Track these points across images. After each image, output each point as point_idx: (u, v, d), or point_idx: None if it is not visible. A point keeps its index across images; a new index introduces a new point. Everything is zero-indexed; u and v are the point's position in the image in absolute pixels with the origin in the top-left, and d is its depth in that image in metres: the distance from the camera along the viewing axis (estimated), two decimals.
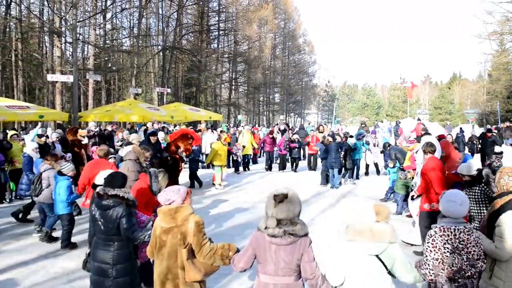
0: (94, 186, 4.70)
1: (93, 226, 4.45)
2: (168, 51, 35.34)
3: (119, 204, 4.19)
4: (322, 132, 17.86)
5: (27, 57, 32.12)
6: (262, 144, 17.70)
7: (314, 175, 16.01)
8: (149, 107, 22.30)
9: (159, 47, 36.62)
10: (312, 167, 17.14)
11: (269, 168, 17.00)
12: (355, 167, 14.70)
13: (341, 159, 13.33)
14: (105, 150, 7.99)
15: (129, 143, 10.12)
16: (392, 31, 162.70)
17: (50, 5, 27.38)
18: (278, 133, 20.34)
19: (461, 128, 27.43)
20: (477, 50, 63.13)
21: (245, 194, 11.98)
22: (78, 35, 26.06)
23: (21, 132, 15.85)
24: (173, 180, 11.63)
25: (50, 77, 22.48)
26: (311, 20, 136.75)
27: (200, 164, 14.35)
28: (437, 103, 74.22)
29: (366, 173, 15.82)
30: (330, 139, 13.27)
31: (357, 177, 14.95)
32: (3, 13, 29.99)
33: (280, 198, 3.15)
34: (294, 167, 16.94)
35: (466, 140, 20.54)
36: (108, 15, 34.19)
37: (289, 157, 17.09)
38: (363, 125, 23.77)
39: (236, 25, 41.61)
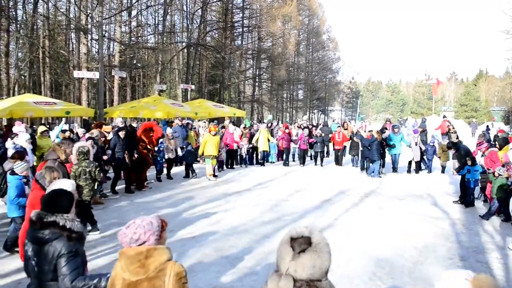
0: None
1: (25, 266, 3.14)
2: (192, 48, 35.42)
3: (58, 237, 2.93)
4: (346, 129, 17.93)
5: (54, 54, 32.67)
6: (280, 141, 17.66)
7: (339, 171, 16.03)
8: (174, 104, 22.33)
9: (184, 44, 36.75)
10: (338, 162, 17.38)
11: (286, 163, 17.18)
12: (393, 161, 15.34)
13: (380, 151, 14.41)
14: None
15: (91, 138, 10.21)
16: (417, 27, 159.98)
17: (76, 3, 27.74)
18: (299, 128, 20.32)
19: (487, 126, 26.82)
20: (505, 46, 61.05)
21: (269, 191, 11.86)
22: (103, 32, 26.34)
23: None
24: (141, 175, 12.03)
25: (76, 74, 22.72)
26: (335, 17, 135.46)
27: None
28: (462, 100, 72.80)
29: (417, 171, 15.59)
30: (378, 133, 14.63)
31: (395, 171, 15.31)
32: (31, 11, 30.56)
33: (301, 245, 1.92)
34: (320, 161, 17.25)
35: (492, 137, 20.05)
36: (133, 12, 34.45)
37: (312, 152, 17.68)
38: (387, 122, 23.42)
39: (260, 22, 41.37)
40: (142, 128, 12.69)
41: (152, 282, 2.45)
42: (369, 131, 15.59)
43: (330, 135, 17.76)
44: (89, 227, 7.55)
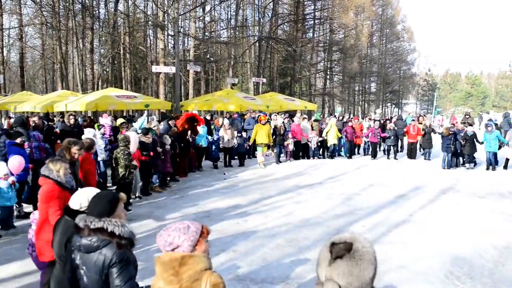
0: (67, 211, 3.38)
1: (70, 276, 2.87)
2: (263, 41, 35.71)
3: (108, 244, 2.69)
4: (421, 123, 17.45)
5: (133, 50, 34.39)
6: (344, 134, 17.46)
7: (413, 165, 15.67)
8: (246, 97, 22.73)
9: (255, 37, 37.14)
10: (411, 156, 17.17)
11: (350, 156, 17.23)
12: (487, 159, 14.79)
13: (451, 146, 14.73)
14: (87, 142, 7.27)
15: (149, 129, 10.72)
16: (500, 13, 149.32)
17: (154, 0, 28.95)
18: (371, 120, 19.98)
19: None
20: None
21: (340, 185, 11.77)
22: (179, 28, 27.26)
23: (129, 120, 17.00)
24: (183, 163, 12.75)
25: (154, 68, 23.82)
26: (411, 5, 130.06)
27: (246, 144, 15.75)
28: None
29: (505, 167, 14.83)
30: (446, 129, 15.11)
31: (493, 169, 14.56)
32: (112, 9, 32.38)
33: (339, 251, 1.74)
34: (393, 155, 17.12)
35: None
36: (207, 8, 35.34)
37: (385, 146, 17.68)
38: (467, 116, 22.30)
39: (332, 13, 40.75)
40: (184, 118, 13.25)
41: None
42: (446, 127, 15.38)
43: (404, 129, 17.35)
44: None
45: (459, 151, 14.99)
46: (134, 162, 8.92)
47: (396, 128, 17.15)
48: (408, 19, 79.24)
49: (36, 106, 19.04)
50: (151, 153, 10.15)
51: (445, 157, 14.92)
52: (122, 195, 3.06)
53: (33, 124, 11.03)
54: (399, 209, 9.07)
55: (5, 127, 17.59)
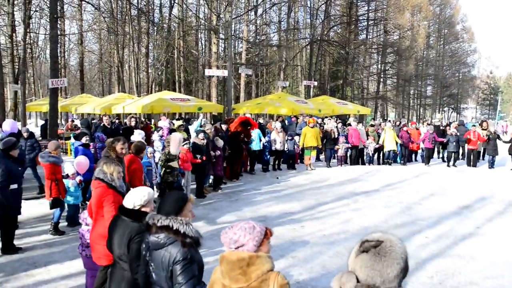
0: (122, 209, 3.46)
1: (143, 273, 2.99)
2: (315, 44, 35.39)
3: (173, 242, 2.77)
4: (485, 129, 16.59)
5: (186, 53, 35.15)
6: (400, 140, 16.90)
7: (476, 173, 14.96)
8: (298, 100, 22.58)
9: (307, 40, 36.88)
10: (472, 163, 16.36)
11: (404, 163, 16.71)
12: None
13: None
14: (137, 146, 7.14)
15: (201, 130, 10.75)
16: None
17: (208, 4, 29.42)
18: (429, 125, 19.28)
19: None
20: None
21: (399, 193, 11.31)
22: (232, 32, 27.55)
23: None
24: (235, 166, 12.68)
25: (207, 72, 24.19)
26: (472, 4, 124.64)
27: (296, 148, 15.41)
28: None
29: None
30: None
31: None
32: (166, 14, 33.23)
33: (367, 246, 1.85)
34: (452, 162, 16.31)
35: None
36: (259, 11, 35.45)
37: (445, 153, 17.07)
38: None
39: (386, 14, 39.75)
40: (238, 121, 13.24)
41: None
42: None
43: (467, 136, 16.61)
44: None
45: None
46: (173, 164, 8.81)
47: (458, 134, 16.33)
48: (468, 18, 76.02)
49: (95, 108, 19.80)
50: (204, 157, 10.19)
51: None
52: (192, 196, 3.16)
53: (103, 123, 11.59)
54: (465, 221, 8.60)
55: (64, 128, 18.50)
